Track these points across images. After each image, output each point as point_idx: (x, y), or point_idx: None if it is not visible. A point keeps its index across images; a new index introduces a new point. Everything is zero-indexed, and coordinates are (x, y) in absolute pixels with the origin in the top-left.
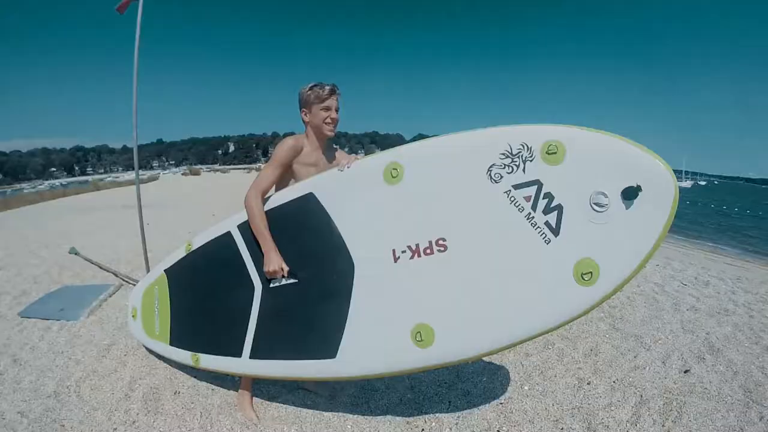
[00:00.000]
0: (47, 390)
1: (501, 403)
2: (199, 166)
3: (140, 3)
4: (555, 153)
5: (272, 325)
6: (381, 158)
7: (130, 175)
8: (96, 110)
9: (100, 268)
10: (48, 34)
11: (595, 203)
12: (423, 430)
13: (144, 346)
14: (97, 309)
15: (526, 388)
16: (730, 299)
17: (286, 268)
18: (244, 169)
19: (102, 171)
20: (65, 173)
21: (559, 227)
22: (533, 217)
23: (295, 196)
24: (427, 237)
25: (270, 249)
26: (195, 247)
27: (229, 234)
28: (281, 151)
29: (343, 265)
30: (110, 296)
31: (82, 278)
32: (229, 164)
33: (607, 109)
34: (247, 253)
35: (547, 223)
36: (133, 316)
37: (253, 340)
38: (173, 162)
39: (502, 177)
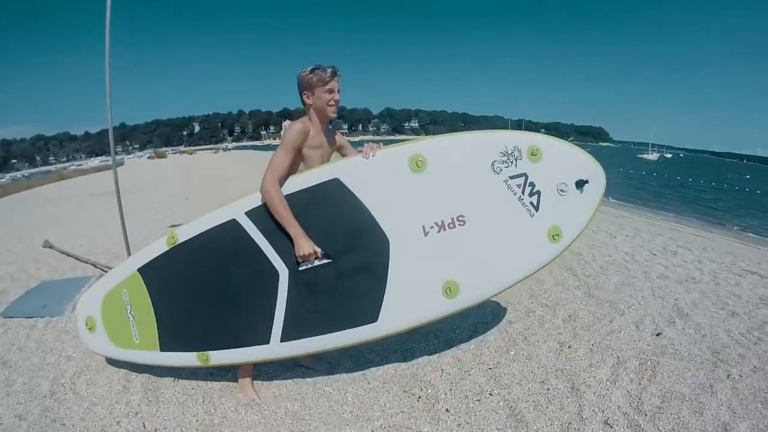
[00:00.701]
0: (42, 390)
1: (490, 368)
2: (164, 149)
3: None
4: (536, 155)
5: (305, 306)
6: (404, 150)
7: (94, 162)
8: (56, 96)
9: (77, 260)
10: None
11: (560, 189)
12: (420, 397)
13: (109, 360)
14: None
15: (512, 353)
16: (697, 268)
17: (319, 251)
18: (211, 149)
19: (65, 159)
20: (27, 164)
21: (539, 205)
22: (522, 199)
23: (318, 182)
24: (450, 215)
25: (299, 234)
26: (183, 239)
27: (234, 222)
28: (292, 135)
29: (379, 242)
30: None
31: (61, 272)
32: (195, 145)
33: (577, 80)
34: (264, 239)
35: (531, 203)
36: (89, 328)
37: (284, 323)
38: (137, 146)
39: (502, 170)
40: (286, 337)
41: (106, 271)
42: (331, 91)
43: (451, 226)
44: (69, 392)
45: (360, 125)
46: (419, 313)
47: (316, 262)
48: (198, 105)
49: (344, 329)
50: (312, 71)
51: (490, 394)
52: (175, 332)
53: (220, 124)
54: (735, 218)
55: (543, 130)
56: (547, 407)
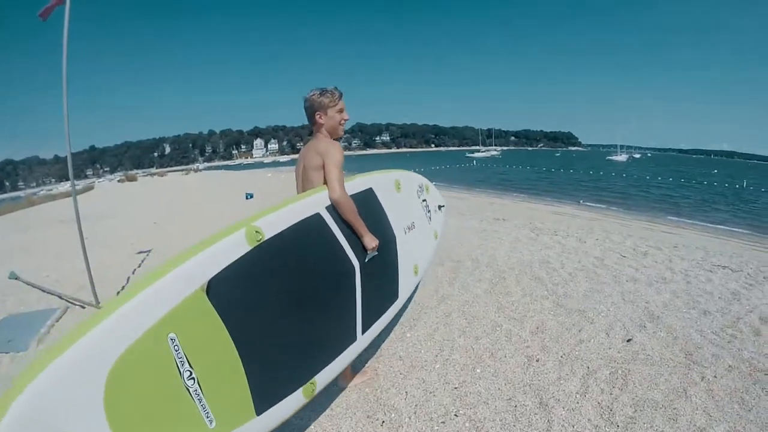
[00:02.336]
0: None
1: (455, 388)
2: (135, 171)
3: (67, 7)
4: (428, 190)
5: (371, 295)
6: (391, 176)
7: (64, 187)
8: (23, 120)
9: (44, 291)
10: None
11: (434, 210)
12: (383, 422)
13: None
14: (46, 336)
15: (478, 370)
16: (668, 267)
17: (377, 243)
18: (182, 170)
19: (34, 184)
20: None
21: (431, 218)
22: (426, 214)
23: (358, 190)
24: (411, 221)
25: (367, 230)
26: (270, 235)
27: (319, 217)
28: (341, 154)
29: (392, 238)
30: (57, 321)
31: (27, 304)
32: (167, 166)
33: (544, 87)
34: (341, 234)
35: (429, 216)
36: None
37: (362, 316)
38: (108, 169)
39: (420, 195)
40: (364, 328)
41: (71, 302)
42: (341, 110)
43: (411, 228)
44: None
45: None
46: (408, 288)
47: (375, 253)
48: (168, 126)
49: (386, 309)
50: (321, 93)
51: (455, 414)
52: (271, 375)
53: (191, 145)
54: (700, 213)
55: (513, 138)
56: (514, 426)
